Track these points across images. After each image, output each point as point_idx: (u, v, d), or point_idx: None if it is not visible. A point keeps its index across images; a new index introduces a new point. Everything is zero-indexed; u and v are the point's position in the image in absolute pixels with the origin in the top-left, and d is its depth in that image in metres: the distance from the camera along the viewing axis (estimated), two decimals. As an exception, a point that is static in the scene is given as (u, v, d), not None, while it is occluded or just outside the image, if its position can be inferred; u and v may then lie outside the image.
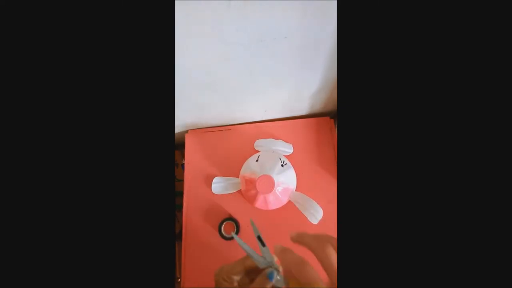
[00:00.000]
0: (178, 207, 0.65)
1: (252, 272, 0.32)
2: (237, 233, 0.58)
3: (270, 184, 0.52)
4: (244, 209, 0.59)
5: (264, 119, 0.67)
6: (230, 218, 0.59)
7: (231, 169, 0.62)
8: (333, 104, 0.62)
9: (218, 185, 0.60)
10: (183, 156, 0.66)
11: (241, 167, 0.61)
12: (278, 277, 0.30)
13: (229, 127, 0.66)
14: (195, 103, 0.55)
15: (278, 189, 0.54)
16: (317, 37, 0.40)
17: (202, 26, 0.35)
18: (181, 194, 0.63)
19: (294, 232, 0.31)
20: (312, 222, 0.54)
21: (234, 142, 0.65)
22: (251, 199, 0.57)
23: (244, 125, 0.67)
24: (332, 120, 0.64)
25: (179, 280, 0.59)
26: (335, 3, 0.33)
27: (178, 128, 0.66)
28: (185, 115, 0.60)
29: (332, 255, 0.27)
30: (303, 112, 0.65)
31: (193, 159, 0.64)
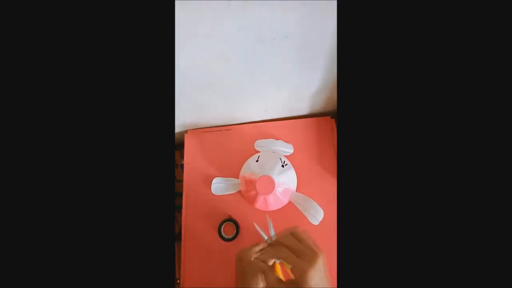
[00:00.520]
0: (177, 207, 0.65)
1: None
2: (236, 234, 0.57)
3: (270, 184, 0.52)
4: (244, 210, 0.59)
5: (264, 119, 0.67)
6: (230, 219, 0.58)
7: (231, 169, 0.62)
8: (333, 104, 0.62)
9: (218, 186, 0.59)
10: (182, 157, 0.66)
11: (241, 167, 0.61)
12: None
13: (229, 127, 0.66)
14: (195, 103, 0.55)
15: (279, 189, 0.54)
16: (317, 37, 0.40)
17: (202, 26, 0.35)
18: (180, 194, 0.63)
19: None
20: (312, 222, 0.54)
21: (234, 142, 0.64)
22: (251, 200, 0.56)
23: (244, 125, 0.66)
24: (333, 120, 0.64)
25: (178, 281, 0.59)
26: (335, 3, 0.33)
27: (177, 128, 0.66)
28: (185, 115, 0.60)
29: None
30: (303, 112, 0.65)
31: (192, 159, 0.64)
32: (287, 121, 0.66)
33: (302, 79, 0.51)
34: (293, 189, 0.58)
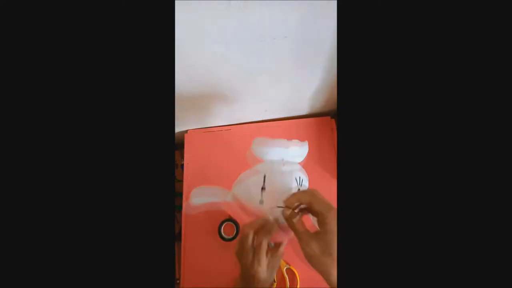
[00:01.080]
0: (177, 207, 0.65)
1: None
2: (236, 234, 0.57)
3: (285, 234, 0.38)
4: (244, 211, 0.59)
5: (264, 119, 0.67)
6: (230, 219, 0.58)
7: (231, 170, 0.62)
8: (333, 104, 0.62)
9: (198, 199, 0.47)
10: (182, 157, 0.66)
11: (241, 167, 0.61)
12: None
13: (229, 127, 0.66)
14: (195, 103, 0.55)
15: None
16: (317, 37, 0.40)
17: (202, 26, 0.35)
18: (180, 194, 0.63)
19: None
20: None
21: (234, 142, 0.64)
22: None
23: (244, 125, 0.66)
24: (333, 120, 0.64)
25: (178, 281, 0.59)
26: (335, 3, 0.33)
27: (177, 128, 0.66)
28: (185, 115, 0.60)
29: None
30: (303, 112, 0.65)
31: (192, 160, 0.64)
32: (287, 121, 0.66)
33: (302, 79, 0.51)
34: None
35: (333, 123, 0.64)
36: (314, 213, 0.35)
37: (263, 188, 0.39)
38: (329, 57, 0.45)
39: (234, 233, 0.57)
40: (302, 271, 0.55)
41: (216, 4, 0.32)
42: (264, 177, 0.40)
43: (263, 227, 0.38)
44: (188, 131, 0.67)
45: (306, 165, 0.61)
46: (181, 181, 0.63)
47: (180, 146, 0.68)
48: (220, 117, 0.63)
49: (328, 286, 0.32)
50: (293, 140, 0.43)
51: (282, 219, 0.37)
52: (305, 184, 0.43)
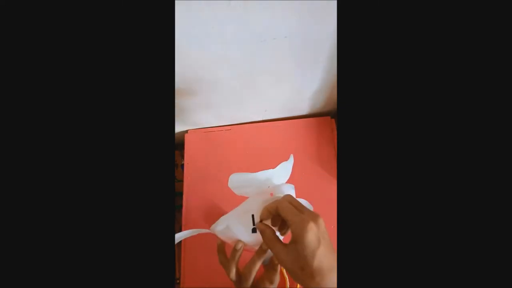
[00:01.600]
0: (177, 207, 0.65)
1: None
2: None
3: None
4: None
5: (264, 119, 0.67)
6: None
7: (231, 170, 0.62)
8: (333, 104, 0.62)
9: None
10: (182, 157, 0.66)
11: (241, 167, 0.61)
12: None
13: (229, 127, 0.66)
14: (195, 103, 0.55)
15: None
16: (317, 37, 0.40)
17: (202, 26, 0.35)
18: (180, 194, 0.63)
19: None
20: None
21: (234, 142, 0.64)
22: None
23: (244, 125, 0.66)
24: (333, 120, 0.64)
25: (178, 281, 0.59)
26: (335, 3, 0.33)
27: (177, 128, 0.66)
28: (185, 115, 0.60)
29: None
30: (303, 112, 0.65)
31: (192, 159, 0.64)
32: (287, 121, 0.66)
33: (302, 79, 0.51)
34: None
35: (333, 123, 0.64)
36: (285, 222, 0.30)
37: (253, 231, 0.35)
38: (329, 57, 0.45)
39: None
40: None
41: (216, 4, 0.32)
42: (253, 216, 0.35)
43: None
44: (188, 131, 0.67)
45: (306, 165, 0.61)
46: (181, 181, 0.63)
47: (180, 146, 0.68)
48: (220, 117, 0.63)
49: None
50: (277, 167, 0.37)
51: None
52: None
